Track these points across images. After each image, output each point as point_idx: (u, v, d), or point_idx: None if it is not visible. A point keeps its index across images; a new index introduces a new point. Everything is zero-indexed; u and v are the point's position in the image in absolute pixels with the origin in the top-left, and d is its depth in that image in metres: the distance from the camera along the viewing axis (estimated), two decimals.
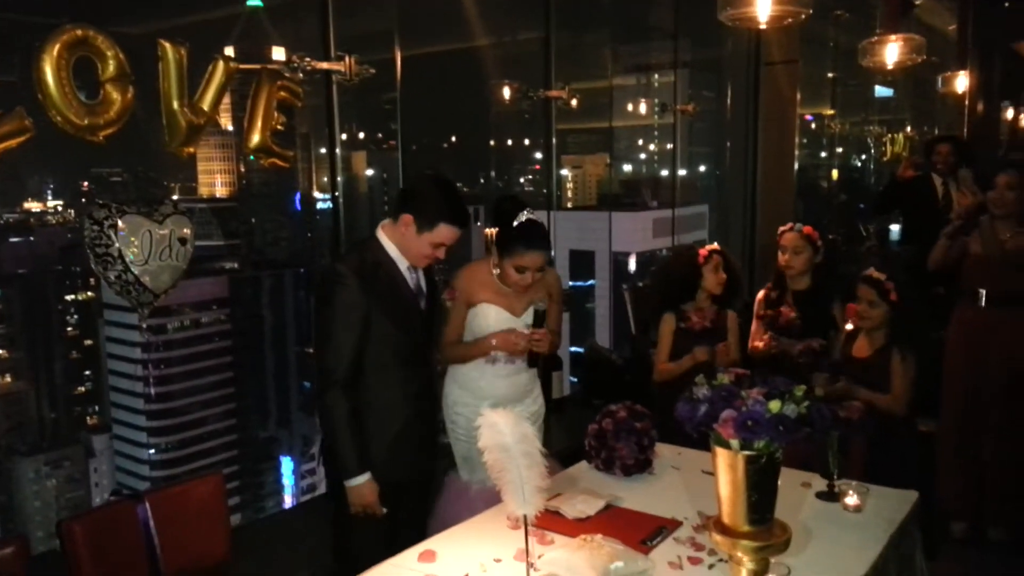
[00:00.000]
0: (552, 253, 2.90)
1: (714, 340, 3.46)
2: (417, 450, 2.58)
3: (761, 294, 3.73)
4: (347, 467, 2.38)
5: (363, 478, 2.38)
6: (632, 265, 18.88)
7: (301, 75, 3.28)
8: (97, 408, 25.73)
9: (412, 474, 2.61)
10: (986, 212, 3.56)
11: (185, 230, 2.93)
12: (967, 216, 3.65)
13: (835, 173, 12.92)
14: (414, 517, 2.65)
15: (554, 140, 5.49)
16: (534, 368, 2.87)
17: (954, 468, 3.65)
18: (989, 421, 3.63)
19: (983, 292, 3.58)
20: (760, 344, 3.62)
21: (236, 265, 28.96)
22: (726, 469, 1.63)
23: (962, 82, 7.53)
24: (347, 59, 3.48)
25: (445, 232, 2.39)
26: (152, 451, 25.36)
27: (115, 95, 2.59)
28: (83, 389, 25.77)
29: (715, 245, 3.64)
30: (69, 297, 25.40)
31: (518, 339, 2.71)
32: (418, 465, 2.63)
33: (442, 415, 2.91)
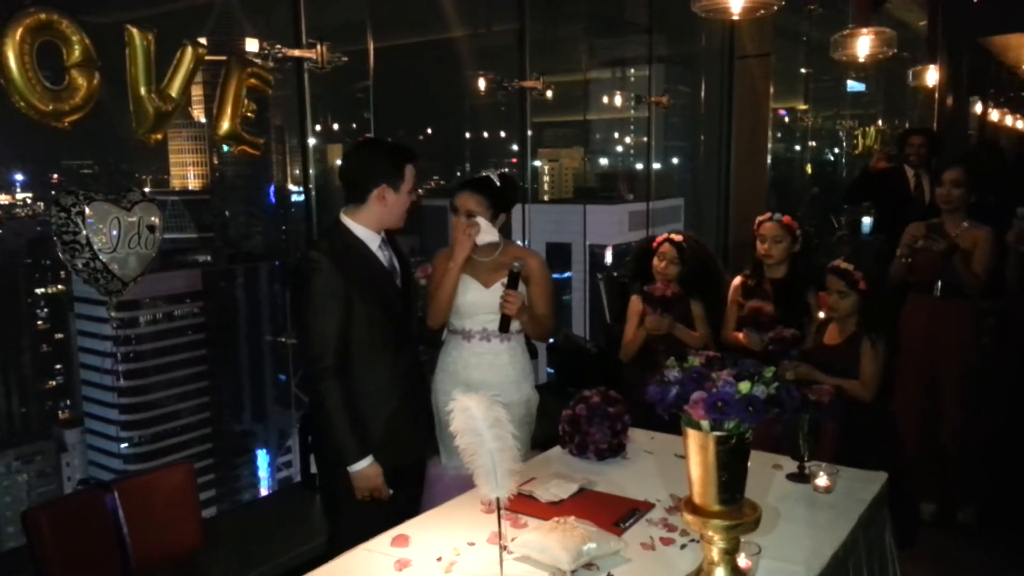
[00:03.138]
0: (516, 227, 2.95)
1: (671, 310, 3.47)
2: (412, 432, 2.59)
3: (738, 281, 3.74)
4: (349, 453, 2.36)
5: (367, 461, 2.37)
6: (608, 257, 18.93)
7: (272, 63, 3.25)
8: (69, 402, 25.33)
9: (410, 456, 2.62)
10: (956, 251, 3.60)
11: (154, 218, 2.89)
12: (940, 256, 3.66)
13: (808, 167, 13.02)
14: (412, 501, 2.64)
15: (529, 132, 5.48)
16: (505, 332, 2.85)
17: (918, 451, 3.71)
18: (946, 408, 3.70)
19: (938, 284, 3.65)
20: (738, 336, 3.59)
21: (210, 258, 28.63)
22: (697, 450, 1.65)
23: (932, 76, 7.63)
24: (319, 47, 3.46)
25: (411, 172, 2.50)
26: (125, 445, 25.04)
27: (81, 81, 2.53)
28: (54, 383, 25.35)
29: (677, 235, 3.65)
30: (39, 290, 24.97)
31: (457, 224, 2.81)
32: (415, 447, 2.64)
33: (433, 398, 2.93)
